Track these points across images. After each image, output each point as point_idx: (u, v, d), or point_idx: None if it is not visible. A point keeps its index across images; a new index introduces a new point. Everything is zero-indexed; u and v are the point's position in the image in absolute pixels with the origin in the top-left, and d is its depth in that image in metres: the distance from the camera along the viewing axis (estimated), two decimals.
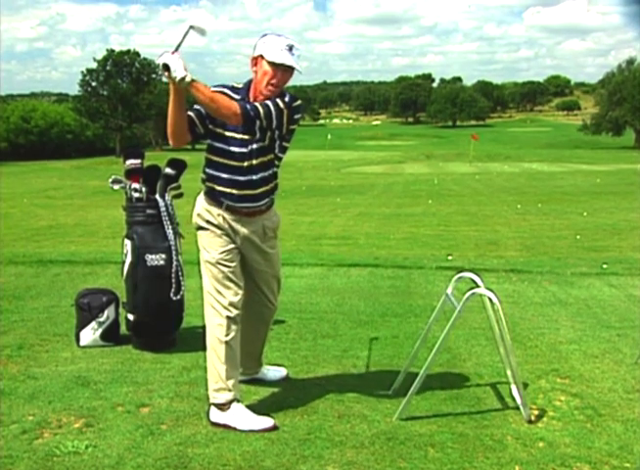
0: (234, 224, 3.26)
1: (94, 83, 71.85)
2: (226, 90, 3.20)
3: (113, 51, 73.44)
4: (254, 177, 3.21)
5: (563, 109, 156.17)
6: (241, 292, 3.26)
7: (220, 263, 3.22)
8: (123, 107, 71.05)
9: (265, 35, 3.20)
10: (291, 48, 3.12)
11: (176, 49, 2.96)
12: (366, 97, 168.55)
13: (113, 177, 4.39)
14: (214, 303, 3.21)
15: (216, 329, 3.20)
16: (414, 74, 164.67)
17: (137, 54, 73.74)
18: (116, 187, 4.38)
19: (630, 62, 79.05)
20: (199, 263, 3.33)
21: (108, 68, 71.66)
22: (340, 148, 70.96)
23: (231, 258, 3.24)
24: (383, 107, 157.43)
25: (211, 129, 3.20)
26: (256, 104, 3.08)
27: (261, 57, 3.13)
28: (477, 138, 47.88)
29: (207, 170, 3.29)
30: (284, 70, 3.13)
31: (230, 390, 3.19)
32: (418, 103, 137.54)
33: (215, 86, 3.26)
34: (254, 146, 3.18)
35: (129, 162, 4.44)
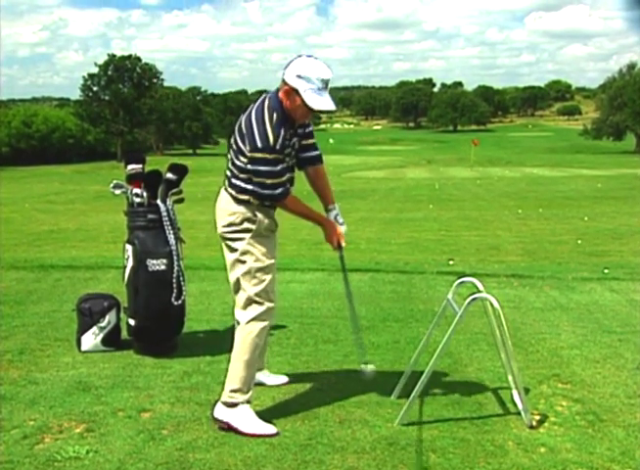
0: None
1: (95, 88, 72.21)
2: (282, 131, 3.09)
3: (114, 56, 73.86)
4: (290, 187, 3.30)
5: (564, 113, 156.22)
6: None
7: (270, 268, 3.24)
8: (125, 111, 71.27)
9: (300, 57, 3.08)
10: (326, 84, 3.03)
11: None
12: (367, 102, 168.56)
13: (114, 182, 4.39)
14: (260, 308, 3.20)
15: (259, 333, 3.20)
16: (415, 79, 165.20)
17: (138, 59, 74.14)
18: (118, 192, 4.39)
19: (631, 66, 79.24)
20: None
21: (109, 72, 71.99)
22: (341, 153, 70.91)
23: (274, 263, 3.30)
24: (384, 112, 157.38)
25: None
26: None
27: (297, 93, 3.02)
28: (477, 143, 47.95)
29: (254, 189, 3.16)
30: None
31: (247, 392, 3.20)
32: (419, 108, 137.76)
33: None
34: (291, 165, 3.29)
35: (130, 166, 4.44)
